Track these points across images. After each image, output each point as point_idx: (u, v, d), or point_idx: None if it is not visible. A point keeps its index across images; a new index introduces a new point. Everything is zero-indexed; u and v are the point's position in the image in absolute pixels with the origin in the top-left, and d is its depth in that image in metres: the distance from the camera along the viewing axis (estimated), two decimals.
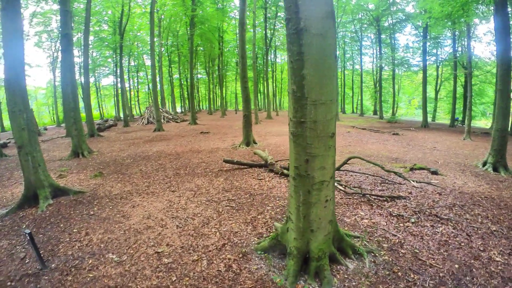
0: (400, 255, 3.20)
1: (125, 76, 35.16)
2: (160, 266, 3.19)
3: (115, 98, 30.60)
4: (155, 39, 32.57)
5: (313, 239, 2.75)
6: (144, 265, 3.21)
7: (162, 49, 35.97)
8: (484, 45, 28.06)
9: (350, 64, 39.31)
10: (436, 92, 30.74)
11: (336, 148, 9.40)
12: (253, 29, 19.39)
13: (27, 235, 3.12)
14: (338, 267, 2.95)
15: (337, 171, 6.78)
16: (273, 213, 4.48)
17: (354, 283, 2.72)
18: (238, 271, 2.96)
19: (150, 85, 41.59)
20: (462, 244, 3.47)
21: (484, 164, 7.55)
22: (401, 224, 3.96)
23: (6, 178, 7.68)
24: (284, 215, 4.16)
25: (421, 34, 23.94)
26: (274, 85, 37.03)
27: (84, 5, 20.68)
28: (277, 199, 5.11)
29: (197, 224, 4.22)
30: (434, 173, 6.77)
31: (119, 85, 30.80)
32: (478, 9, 12.27)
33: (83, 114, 16.09)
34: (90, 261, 3.32)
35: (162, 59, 30.34)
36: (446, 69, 30.37)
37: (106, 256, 3.43)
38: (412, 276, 2.84)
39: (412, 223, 4.00)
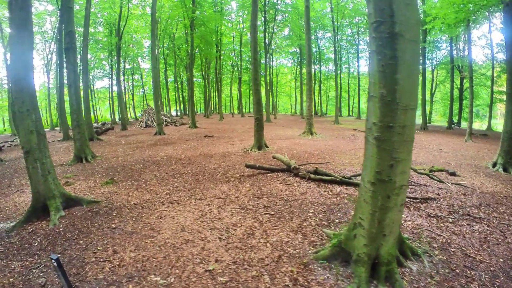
0: (451, 253, 3.28)
1: (121, 79, 34.35)
2: (217, 286, 2.74)
3: (110, 101, 29.69)
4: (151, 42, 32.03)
5: (384, 243, 2.74)
6: (197, 287, 2.75)
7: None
8: (478, 48, 28.50)
9: (345, 67, 39.52)
10: (432, 94, 31.06)
11: (349, 151, 9.20)
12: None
13: (54, 261, 2.58)
14: (403, 269, 2.93)
15: None
16: (317, 219, 4.23)
17: (422, 284, 2.72)
18: (306, 283, 2.74)
19: (146, 88, 40.96)
20: (499, 240, 3.62)
21: (494, 165, 7.71)
22: (442, 224, 4.04)
23: (5, 185, 7.03)
24: (330, 222, 4.11)
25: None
26: (270, 88, 36.81)
27: (80, 6, 20.06)
28: (315, 205, 4.83)
29: (241, 235, 3.81)
30: (453, 174, 6.81)
31: (114, 88, 30.02)
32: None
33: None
34: (130, 287, 2.82)
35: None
36: (441, 72, 30.81)
37: (148, 278, 2.93)
38: (468, 272, 2.92)
39: (451, 222, 4.10)
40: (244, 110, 41.09)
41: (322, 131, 16.97)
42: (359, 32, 32.09)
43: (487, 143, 14.18)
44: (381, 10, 2.41)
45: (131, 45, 30.74)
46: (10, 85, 24.12)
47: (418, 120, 31.34)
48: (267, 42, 25.88)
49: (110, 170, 7.87)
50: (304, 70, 37.10)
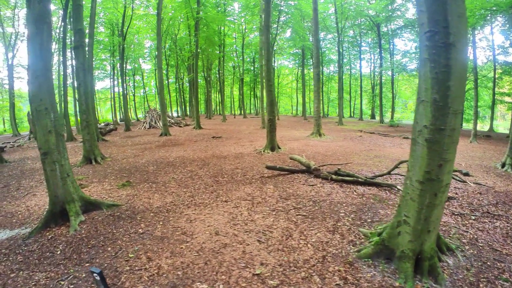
0: (480, 248, 3.42)
1: (121, 80, 34.05)
2: None
3: (112, 101, 29.36)
4: (154, 43, 31.77)
5: (428, 239, 2.87)
6: None
7: (157, 53, 35.17)
8: (479, 50, 28.56)
9: (347, 68, 39.50)
10: None
11: (361, 152, 9.11)
12: (261, 32, 18.98)
13: (96, 275, 2.36)
14: (441, 263, 3.03)
15: (387, 175, 6.63)
16: (349, 219, 4.23)
17: (460, 276, 2.86)
18: (355, 281, 2.77)
19: (146, 89, 40.65)
20: None
21: (503, 165, 7.83)
22: (466, 222, 4.17)
23: (14, 188, 6.76)
24: (362, 221, 4.15)
25: (418, 40, 24.20)
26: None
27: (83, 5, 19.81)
28: (344, 205, 4.80)
29: (279, 237, 3.72)
30: (466, 174, 6.88)
31: (116, 89, 29.73)
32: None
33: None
34: None
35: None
36: None
37: (194, 286, 2.74)
38: (498, 264, 3.08)
39: (474, 220, 4.24)
40: (241, 111, 40.93)
41: (329, 132, 16.83)
42: (361, 34, 32.07)
43: (492, 144, 14.17)
44: (436, 21, 2.55)
45: (131, 46, 30.49)
46: (10, 85, 23.77)
47: None
48: (271, 44, 25.74)
49: (124, 172, 7.64)
50: (306, 71, 37.11)
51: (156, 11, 22.92)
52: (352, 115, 41.21)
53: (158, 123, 21.42)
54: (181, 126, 21.68)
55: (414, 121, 2.90)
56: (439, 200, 2.81)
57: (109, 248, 3.62)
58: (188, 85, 34.76)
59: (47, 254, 3.57)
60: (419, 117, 2.78)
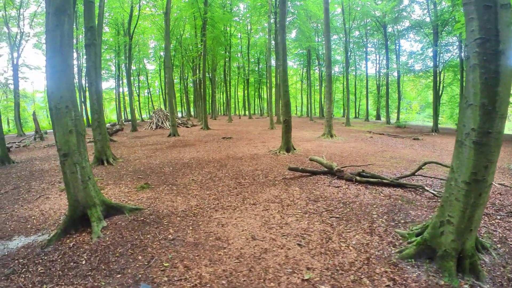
0: (511, 246, 3.44)
1: (126, 80, 33.91)
2: None
3: (117, 102, 29.20)
4: (158, 43, 31.65)
5: (469, 238, 2.99)
6: None
7: (162, 53, 35.02)
8: None
9: (351, 69, 39.30)
10: (439, 97, 30.77)
11: (376, 153, 8.95)
12: (269, 34, 18.86)
13: None
14: (479, 261, 3.06)
15: (411, 176, 6.48)
16: (383, 221, 4.16)
17: (498, 273, 2.91)
18: (404, 282, 2.78)
19: (151, 89, 40.51)
20: None
21: None
22: (493, 221, 4.17)
23: (24, 190, 6.50)
24: (396, 222, 4.12)
25: (426, 40, 24.11)
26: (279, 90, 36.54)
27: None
28: (374, 206, 4.69)
29: (318, 240, 3.60)
30: None
31: (120, 89, 29.58)
32: None
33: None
34: None
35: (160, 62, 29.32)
36: (448, 74, 30.59)
37: None
38: None
39: (499, 219, 4.24)
40: (245, 112, 40.77)
41: (338, 133, 16.60)
42: (367, 34, 31.86)
43: (502, 146, 13.99)
44: (487, 29, 2.68)
45: (136, 46, 30.38)
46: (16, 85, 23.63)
47: (429, 123, 31.17)
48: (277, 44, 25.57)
49: (139, 174, 7.43)
50: (311, 72, 36.92)
51: (162, 11, 22.84)
52: (357, 115, 41.00)
53: (165, 123, 21.23)
54: (188, 127, 21.49)
55: (459, 124, 3.02)
56: (483, 200, 2.94)
57: (140, 257, 3.35)
58: (192, 85, 34.61)
59: (71, 264, 3.26)
60: (467, 120, 2.89)
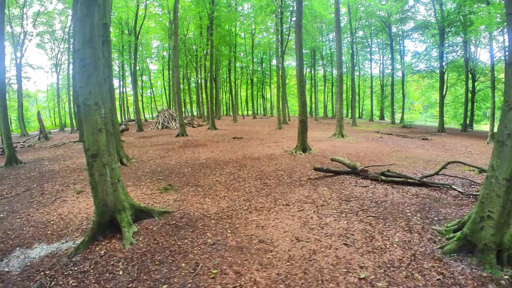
0: None
1: (128, 80, 33.73)
2: None
3: (120, 102, 28.99)
4: (162, 43, 31.47)
5: (507, 232, 3.14)
6: None
7: (165, 53, 34.85)
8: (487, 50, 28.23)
9: (355, 69, 39.21)
10: (443, 97, 30.70)
11: (390, 153, 8.91)
12: (277, 34, 18.71)
13: None
14: None
15: (434, 175, 6.48)
16: (418, 218, 4.19)
17: None
18: (451, 275, 2.87)
19: (153, 89, 40.30)
20: None
21: None
22: None
23: (37, 192, 6.18)
24: (430, 220, 4.18)
25: (430, 41, 24.05)
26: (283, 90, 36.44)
27: None
28: (405, 205, 4.69)
29: (362, 239, 3.59)
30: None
31: (122, 89, 29.37)
32: None
33: None
34: None
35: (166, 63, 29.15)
36: (452, 75, 30.51)
37: None
38: None
39: None
40: (248, 112, 40.59)
41: (348, 134, 16.49)
42: (372, 35, 31.79)
43: None
44: None
45: (139, 46, 30.20)
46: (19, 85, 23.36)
47: (433, 123, 31.12)
48: (282, 44, 25.43)
49: (158, 175, 7.27)
50: (316, 71, 36.85)
51: (167, 10, 22.69)
52: (360, 115, 40.93)
53: (171, 123, 21.06)
54: (194, 127, 21.33)
55: (500, 125, 3.21)
56: None
57: (183, 264, 3.13)
58: (194, 85, 34.43)
59: (107, 275, 2.97)
60: (508, 122, 3.09)
